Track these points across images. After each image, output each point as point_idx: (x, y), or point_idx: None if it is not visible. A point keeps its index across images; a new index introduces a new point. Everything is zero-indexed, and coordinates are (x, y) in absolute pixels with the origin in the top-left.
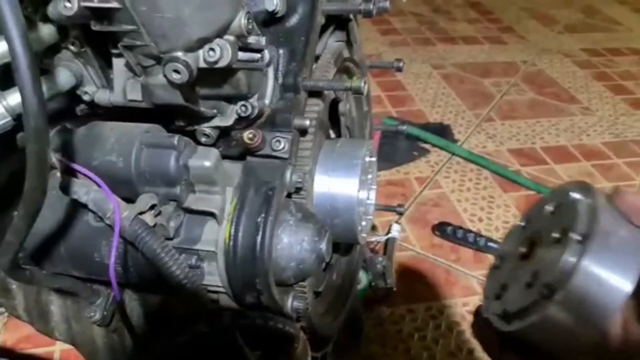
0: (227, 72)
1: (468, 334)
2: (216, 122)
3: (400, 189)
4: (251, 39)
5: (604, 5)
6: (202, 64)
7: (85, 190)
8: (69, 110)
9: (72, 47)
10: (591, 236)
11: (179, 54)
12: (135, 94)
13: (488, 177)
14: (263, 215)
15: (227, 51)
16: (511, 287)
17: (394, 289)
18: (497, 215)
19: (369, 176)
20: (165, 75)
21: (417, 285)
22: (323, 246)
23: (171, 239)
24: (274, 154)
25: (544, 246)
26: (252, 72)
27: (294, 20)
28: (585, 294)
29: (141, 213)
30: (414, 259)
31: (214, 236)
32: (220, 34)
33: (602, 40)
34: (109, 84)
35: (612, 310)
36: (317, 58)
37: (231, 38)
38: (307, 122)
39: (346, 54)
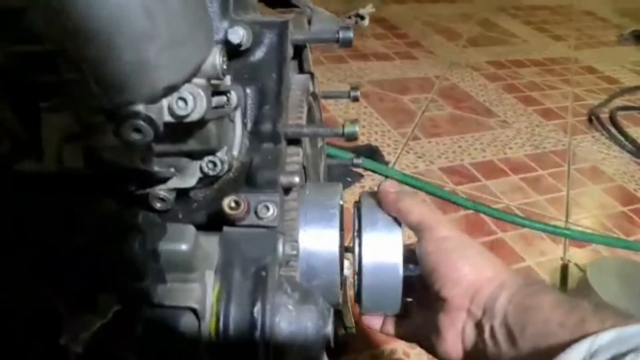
0: (197, 125)
1: None
2: (175, 182)
3: None
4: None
5: (498, 19)
6: (168, 118)
7: None
8: None
9: None
10: (360, 229)
11: (140, 107)
12: (74, 161)
13: (425, 199)
14: (259, 304)
15: (201, 100)
16: None
17: (354, 333)
18: None
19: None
20: (119, 135)
21: None
22: (329, 330)
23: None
24: (261, 222)
25: None
26: (220, 120)
27: (259, 53)
28: (377, 264)
29: (104, 325)
30: None
31: (194, 333)
32: (190, 78)
33: (504, 52)
34: (32, 145)
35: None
36: None
37: (202, 82)
38: (297, 179)
39: (311, 87)
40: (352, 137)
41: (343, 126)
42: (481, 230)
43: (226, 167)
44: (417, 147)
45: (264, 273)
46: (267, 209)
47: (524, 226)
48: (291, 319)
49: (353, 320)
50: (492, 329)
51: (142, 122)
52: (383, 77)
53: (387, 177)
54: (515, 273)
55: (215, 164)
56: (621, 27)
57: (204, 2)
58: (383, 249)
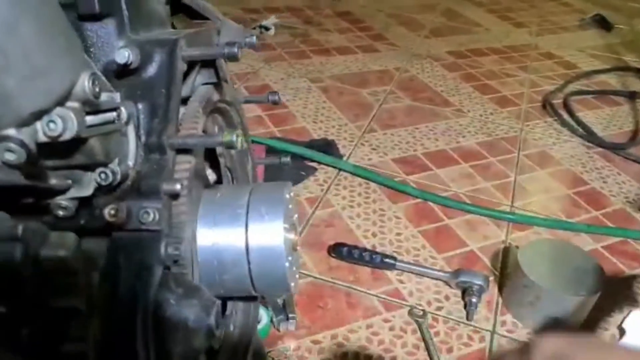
0: (77, 142)
1: (374, 358)
2: (73, 192)
3: None
4: (103, 96)
5: (462, 8)
6: (43, 139)
7: None
8: None
9: None
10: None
11: (11, 131)
12: None
13: (377, 190)
14: (140, 301)
15: (71, 121)
16: None
17: (296, 321)
18: (390, 228)
19: None
20: None
21: (320, 313)
22: (212, 320)
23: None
24: (143, 227)
25: None
26: (109, 135)
27: (151, 70)
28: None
29: None
30: (313, 285)
31: (82, 332)
32: (61, 102)
33: (466, 42)
34: None
35: None
36: (185, 101)
37: (75, 105)
38: (178, 187)
39: (216, 97)
40: (230, 145)
41: (222, 136)
42: (429, 218)
43: (118, 177)
44: (372, 140)
45: (145, 273)
46: (148, 214)
47: (469, 212)
48: (173, 313)
49: (296, 309)
50: None
51: (13, 145)
52: (344, 71)
53: (340, 169)
54: None
55: (107, 175)
56: (583, 12)
57: (68, 32)
58: (267, 236)
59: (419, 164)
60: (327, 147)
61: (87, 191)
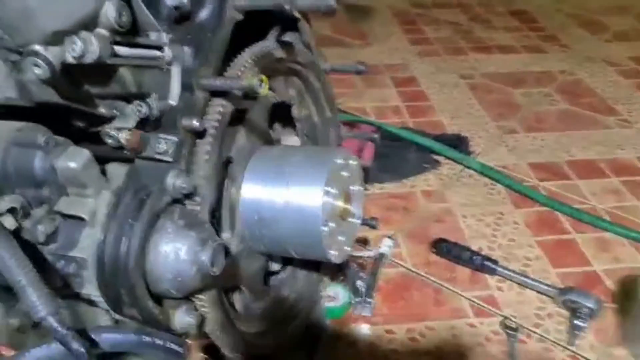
0: (107, 69)
1: (451, 358)
2: (118, 122)
3: (403, 202)
4: (152, 36)
5: None
6: (69, 59)
7: None
8: None
9: None
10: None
11: (38, 48)
12: (11, 91)
13: (502, 192)
14: (132, 221)
15: (93, 45)
16: None
17: (373, 307)
18: (504, 232)
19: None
20: (21, 70)
21: (402, 305)
22: (206, 257)
23: (45, 244)
24: (157, 156)
25: None
26: (146, 70)
27: (202, 16)
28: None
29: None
30: (403, 277)
31: (87, 242)
32: (88, 27)
33: None
34: None
35: None
36: None
37: (102, 32)
38: (196, 123)
39: (279, 54)
40: (253, 90)
41: (247, 80)
42: (552, 228)
43: (155, 112)
44: (510, 141)
45: (145, 197)
46: (161, 144)
47: (604, 229)
48: (167, 240)
49: (376, 295)
50: None
51: (39, 60)
52: (500, 69)
53: (466, 166)
54: None
55: (142, 107)
56: None
57: None
58: (306, 198)
59: (557, 172)
60: (457, 142)
61: (129, 122)
